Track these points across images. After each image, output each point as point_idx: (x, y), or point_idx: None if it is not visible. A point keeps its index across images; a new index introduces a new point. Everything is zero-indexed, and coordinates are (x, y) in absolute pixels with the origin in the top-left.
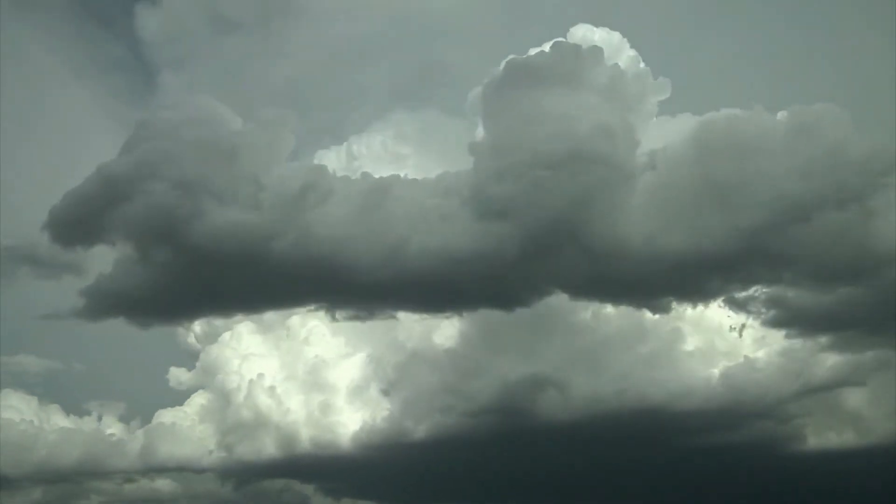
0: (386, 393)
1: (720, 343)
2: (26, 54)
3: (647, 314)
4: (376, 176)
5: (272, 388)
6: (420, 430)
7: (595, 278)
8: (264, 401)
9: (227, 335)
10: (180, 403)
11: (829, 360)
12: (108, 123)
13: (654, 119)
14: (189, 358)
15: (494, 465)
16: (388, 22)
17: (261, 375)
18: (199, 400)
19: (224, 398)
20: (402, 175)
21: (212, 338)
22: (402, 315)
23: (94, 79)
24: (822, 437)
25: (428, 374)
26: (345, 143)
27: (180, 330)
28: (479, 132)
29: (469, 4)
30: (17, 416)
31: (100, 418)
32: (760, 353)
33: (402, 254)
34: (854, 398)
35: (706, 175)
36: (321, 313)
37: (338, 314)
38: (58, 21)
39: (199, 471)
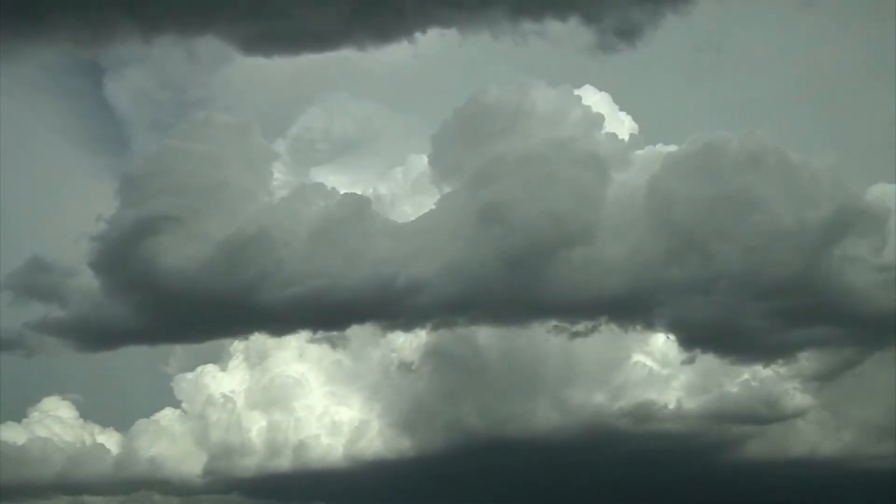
0: (363, 409)
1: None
2: (20, 125)
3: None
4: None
5: (242, 410)
6: (396, 446)
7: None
8: (234, 422)
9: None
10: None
11: (775, 380)
12: (90, 181)
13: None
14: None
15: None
16: None
17: (234, 393)
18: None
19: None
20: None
21: (186, 368)
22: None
23: (77, 143)
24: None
25: (403, 392)
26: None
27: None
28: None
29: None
30: None
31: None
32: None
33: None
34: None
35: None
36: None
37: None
38: (46, 97)
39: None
